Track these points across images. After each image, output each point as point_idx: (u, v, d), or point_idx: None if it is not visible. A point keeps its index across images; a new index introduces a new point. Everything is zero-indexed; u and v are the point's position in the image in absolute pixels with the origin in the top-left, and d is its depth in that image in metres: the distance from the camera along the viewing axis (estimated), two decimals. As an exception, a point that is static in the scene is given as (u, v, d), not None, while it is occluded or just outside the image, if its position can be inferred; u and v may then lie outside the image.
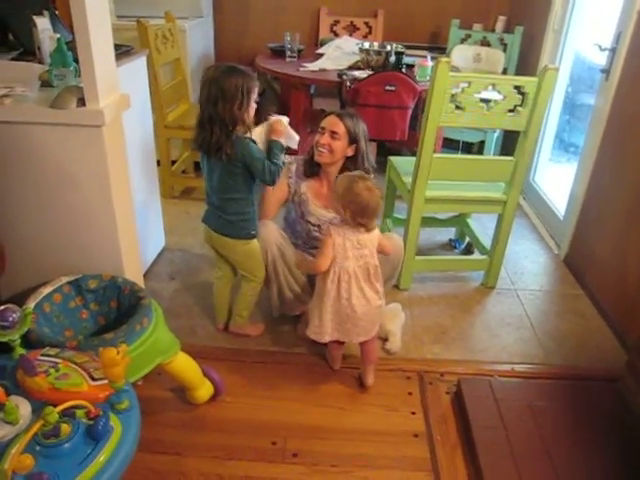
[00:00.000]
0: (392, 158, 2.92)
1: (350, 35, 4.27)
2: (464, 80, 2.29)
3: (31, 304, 1.66)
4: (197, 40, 3.94)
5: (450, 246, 3.18)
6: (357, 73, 3.21)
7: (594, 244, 2.77)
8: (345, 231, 1.93)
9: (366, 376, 2.11)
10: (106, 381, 1.39)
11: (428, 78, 3.13)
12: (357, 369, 2.18)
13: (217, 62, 4.25)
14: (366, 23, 4.36)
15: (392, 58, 3.32)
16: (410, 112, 3.12)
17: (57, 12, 2.47)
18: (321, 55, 3.68)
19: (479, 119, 2.37)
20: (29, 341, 1.55)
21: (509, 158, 2.50)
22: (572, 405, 2.02)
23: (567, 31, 3.45)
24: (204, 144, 1.97)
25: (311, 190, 2.30)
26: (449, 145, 3.89)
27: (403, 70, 3.25)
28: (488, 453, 1.80)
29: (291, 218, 2.38)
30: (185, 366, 1.85)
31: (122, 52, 2.24)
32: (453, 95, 2.29)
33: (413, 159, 2.53)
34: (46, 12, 2.20)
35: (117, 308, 1.84)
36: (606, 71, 2.74)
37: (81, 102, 1.72)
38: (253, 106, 1.98)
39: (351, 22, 4.37)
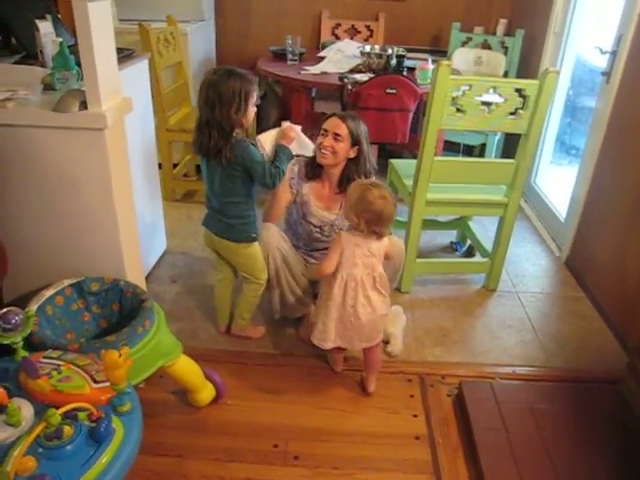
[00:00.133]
0: (393, 161, 2.93)
1: (351, 38, 4.28)
2: (465, 83, 2.30)
3: (33, 307, 1.66)
4: (199, 43, 3.96)
5: (451, 249, 3.18)
6: (358, 76, 3.21)
7: (595, 246, 2.77)
8: (356, 238, 1.91)
9: (368, 383, 2.11)
10: (108, 383, 1.39)
11: (429, 81, 3.13)
12: (359, 371, 2.18)
13: (218, 65, 4.26)
14: (367, 26, 4.37)
15: (393, 61, 3.33)
16: (411, 115, 3.12)
17: (59, 16, 2.48)
18: (322, 58, 3.69)
19: (480, 122, 2.38)
20: (31, 343, 1.55)
21: (510, 161, 2.50)
22: (573, 407, 2.02)
23: (568, 34, 3.46)
24: (203, 148, 1.97)
25: (313, 191, 2.31)
26: (450, 148, 3.90)
27: (404, 73, 3.26)
28: (489, 455, 1.80)
29: (292, 219, 2.39)
30: (187, 369, 1.85)
31: (124, 55, 2.25)
32: (454, 98, 2.29)
33: (414, 162, 2.53)
34: (48, 16, 2.21)
35: (119, 311, 1.84)
36: (607, 74, 2.75)
37: (83, 105, 1.72)
38: (251, 110, 1.97)
39: (352, 25, 4.38)
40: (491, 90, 2.31)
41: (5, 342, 1.48)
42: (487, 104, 2.34)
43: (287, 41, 3.66)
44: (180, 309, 2.53)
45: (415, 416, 2.03)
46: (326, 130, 2.19)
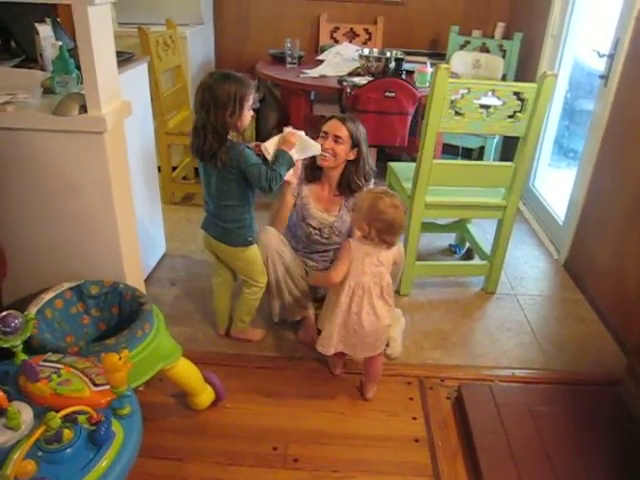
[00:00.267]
0: (392, 164, 2.93)
1: (350, 42, 4.29)
2: (464, 86, 2.30)
3: (33, 310, 1.66)
4: (198, 47, 3.97)
5: (450, 251, 3.19)
6: (357, 79, 3.22)
7: (594, 249, 2.77)
8: (366, 247, 1.90)
9: (367, 390, 2.11)
10: (108, 387, 1.40)
11: (428, 84, 3.13)
12: (358, 374, 2.18)
13: (217, 69, 4.27)
14: (366, 30, 4.38)
15: (392, 64, 3.34)
16: (410, 118, 3.12)
17: (59, 19, 2.49)
18: (321, 62, 3.70)
19: (479, 125, 2.38)
20: (31, 347, 1.56)
21: (509, 164, 2.51)
22: (572, 409, 2.02)
23: (566, 37, 3.47)
24: (199, 150, 1.98)
25: (313, 194, 2.31)
26: (449, 151, 3.90)
27: (403, 76, 3.26)
28: (489, 458, 1.80)
29: (292, 222, 2.39)
30: (186, 372, 1.86)
31: (123, 59, 2.25)
32: (453, 101, 2.30)
33: (413, 165, 2.54)
34: (48, 20, 2.22)
35: (118, 314, 1.85)
36: (605, 77, 2.76)
37: (83, 109, 1.73)
38: (247, 113, 1.96)
39: (351, 29, 4.39)
40: (489, 93, 2.31)
41: (5, 345, 1.48)
42: (485, 107, 2.34)
43: (286, 44, 3.67)
44: (179, 312, 2.53)
45: (414, 419, 2.03)
46: (326, 132, 2.20)
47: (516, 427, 1.91)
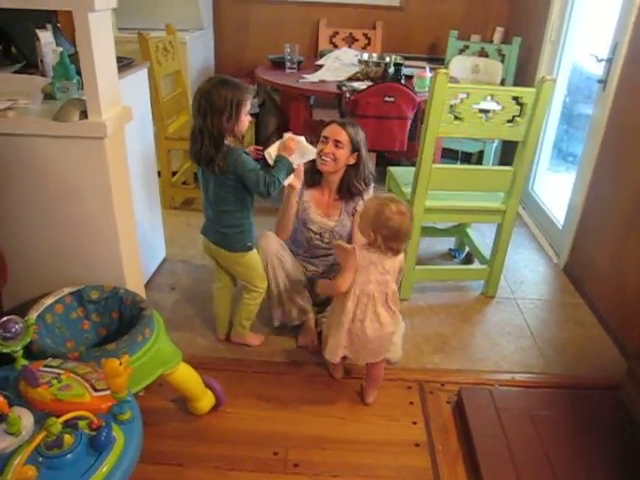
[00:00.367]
0: (391, 168, 2.94)
1: (349, 46, 4.30)
2: (463, 91, 2.31)
3: (33, 315, 1.66)
4: (197, 52, 3.98)
5: (450, 256, 3.19)
6: (356, 84, 3.23)
7: (593, 253, 2.78)
8: (371, 255, 1.87)
9: (367, 395, 2.11)
10: (108, 392, 1.39)
11: (427, 89, 3.15)
12: (359, 379, 2.18)
13: (216, 74, 4.28)
14: (365, 34, 4.40)
15: (391, 69, 3.35)
16: (409, 123, 3.13)
17: (59, 25, 2.50)
18: (320, 66, 3.71)
19: (478, 129, 2.39)
20: (31, 352, 1.55)
21: (508, 168, 2.52)
22: (573, 413, 2.02)
23: (564, 42, 3.48)
24: (196, 156, 1.98)
25: (313, 199, 2.32)
26: (448, 155, 3.91)
27: (402, 81, 3.27)
28: (489, 462, 1.80)
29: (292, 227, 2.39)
30: (187, 377, 1.85)
31: (123, 64, 2.26)
32: (452, 106, 2.30)
33: (412, 169, 2.54)
34: (49, 25, 2.23)
35: (119, 319, 1.85)
36: (603, 81, 2.77)
37: (84, 115, 1.73)
38: (245, 119, 1.97)
39: (350, 34, 4.40)
40: (489, 98, 2.32)
41: (5, 351, 1.48)
42: (485, 112, 2.35)
43: (285, 49, 3.68)
44: (179, 317, 2.53)
45: (415, 423, 2.03)
46: (326, 137, 2.21)
47: (516, 431, 1.91)
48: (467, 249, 3.12)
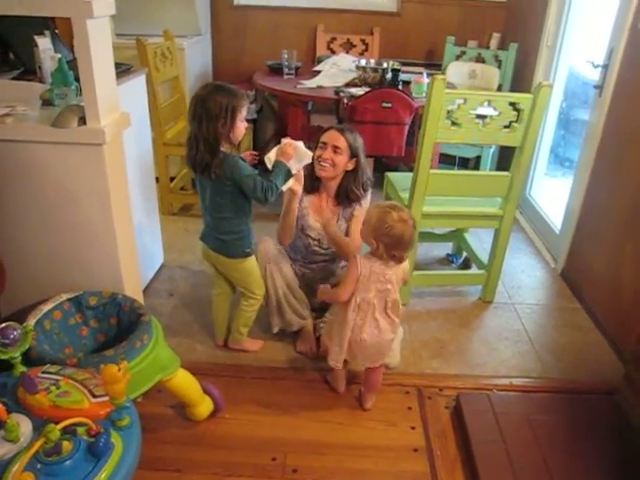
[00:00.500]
0: (389, 174, 2.94)
1: (347, 52, 4.32)
2: (460, 97, 2.32)
3: (31, 321, 1.66)
4: (195, 58, 3.99)
5: (447, 261, 3.20)
6: (354, 90, 3.24)
7: (590, 258, 2.79)
8: (372, 264, 1.86)
9: (365, 400, 2.11)
10: (107, 398, 1.39)
11: (424, 95, 3.16)
12: (357, 384, 2.18)
13: (214, 80, 4.29)
14: (362, 40, 4.41)
15: (388, 75, 3.36)
16: (407, 128, 3.15)
17: (58, 32, 2.51)
18: (318, 72, 3.72)
19: (475, 135, 2.40)
20: (30, 358, 1.55)
21: (505, 173, 2.52)
22: (570, 418, 2.02)
23: (561, 47, 3.50)
24: (192, 162, 1.98)
25: (312, 205, 2.32)
26: (446, 161, 3.93)
27: (399, 87, 3.28)
28: (488, 467, 1.80)
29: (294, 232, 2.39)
30: (185, 383, 1.85)
31: (122, 70, 2.27)
32: (449, 111, 2.31)
33: (410, 175, 2.55)
34: (47, 32, 2.23)
35: (117, 325, 1.85)
36: (599, 87, 2.78)
37: (82, 121, 1.74)
38: (240, 125, 1.97)
39: (348, 39, 4.41)
40: (486, 104, 2.33)
41: (3, 357, 1.48)
42: (482, 117, 2.36)
43: (283, 55, 3.69)
44: (177, 323, 2.53)
45: (413, 428, 2.03)
46: (325, 143, 2.21)
47: (514, 436, 1.91)
48: (465, 254, 3.13)
